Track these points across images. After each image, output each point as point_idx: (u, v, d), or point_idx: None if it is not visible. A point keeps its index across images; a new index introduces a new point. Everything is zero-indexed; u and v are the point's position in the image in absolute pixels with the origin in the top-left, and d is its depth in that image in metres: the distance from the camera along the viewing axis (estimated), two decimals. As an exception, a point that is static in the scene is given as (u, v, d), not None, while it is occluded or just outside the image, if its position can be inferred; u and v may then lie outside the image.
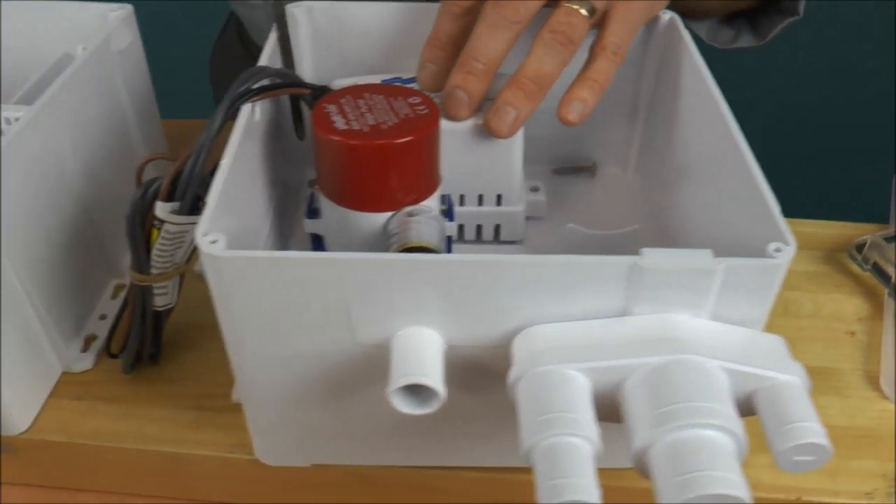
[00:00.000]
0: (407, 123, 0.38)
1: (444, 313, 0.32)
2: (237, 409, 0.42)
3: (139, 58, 0.51)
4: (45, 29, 0.49)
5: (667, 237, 0.46)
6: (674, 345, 0.31)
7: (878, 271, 0.49)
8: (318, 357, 0.34)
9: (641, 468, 0.30)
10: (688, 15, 0.66)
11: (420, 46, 0.48)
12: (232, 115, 0.38)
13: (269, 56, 0.43)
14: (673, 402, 0.29)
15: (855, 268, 0.51)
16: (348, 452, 0.39)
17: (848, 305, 0.49)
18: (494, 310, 0.32)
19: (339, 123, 0.37)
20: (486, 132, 0.43)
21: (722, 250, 0.31)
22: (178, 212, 0.38)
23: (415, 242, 0.37)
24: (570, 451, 0.29)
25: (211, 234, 0.31)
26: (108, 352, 0.44)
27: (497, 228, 0.47)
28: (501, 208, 0.47)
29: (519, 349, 0.32)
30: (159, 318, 0.42)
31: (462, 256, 0.31)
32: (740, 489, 0.27)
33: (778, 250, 0.32)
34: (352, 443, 0.39)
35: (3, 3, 0.49)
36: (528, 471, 0.39)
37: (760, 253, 0.32)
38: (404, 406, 0.31)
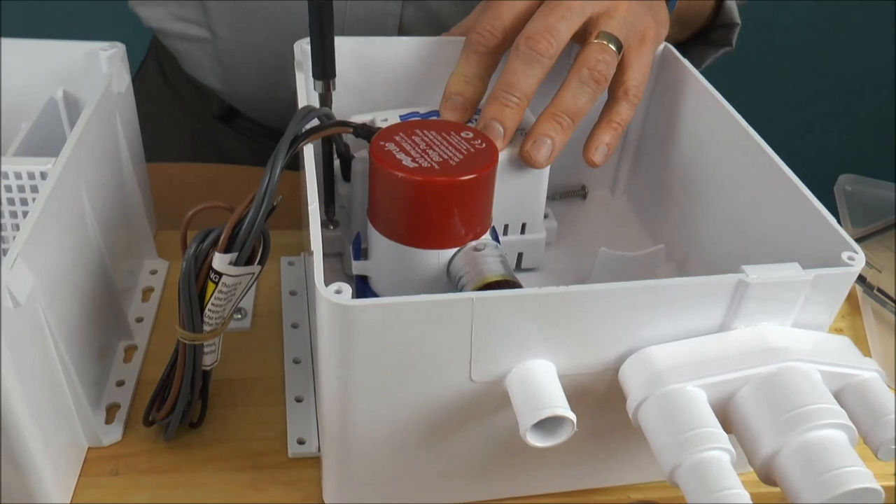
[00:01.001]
0: (472, 158, 0.38)
1: (560, 344, 0.32)
2: (296, 463, 0.41)
3: (131, 98, 0.48)
4: (27, 70, 0.46)
5: (683, 252, 0.49)
6: (776, 354, 0.33)
7: (853, 271, 0.54)
8: (428, 399, 0.33)
9: (766, 474, 0.32)
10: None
11: (430, 82, 0.48)
12: (290, 159, 0.37)
13: (305, 91, 0.42)
14: (793, 408, 0.31)
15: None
16: (432, 492, 0.39)
17: (830, 304, 0.54)
18: (607, 336, 0.33)
19: (407, 161, 0.37)
20: (516, 163, 0.44)
21: (772, 262, 0.34)
22: (236, 263, 0.36)
23: (492, 277, 0.37)
24: (717, 464, 0.30)
25: (334, 283, 0.30)
26: (145, 420, 0.41)
27: (520, 256, 0.48)
28: (525, 236, 0.47)
29: (633, 374, 0.33)
30: (207, 377, 0.40)
31: (587, 287, 0.31)
32: (874, 480, 0.30)
33: (851, 258, 0.34)
34: (438, 482, 0.38)
35: None
36: (600, 491, 0.41)
37: (823, 262, 0.35)
38: (537, 441, 0.31)
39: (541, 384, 0.32)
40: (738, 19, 0.63)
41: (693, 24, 0.65)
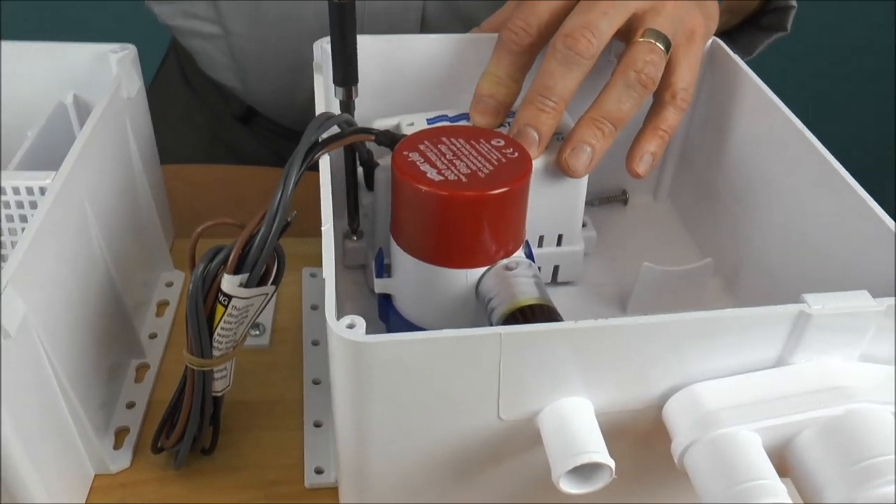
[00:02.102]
0: (503, 170, 0.35)
1: (597, 380, 0.29)
2: (314, 495, 0.38)
3: (143, 102, 0.45)
4: (36, 73, 0.44)
5: (735, 263, 0.45)
6: (843, 394, 0.29)
7: None
8: (452, 440, 0.30)
9: (831, 529, 0.28)
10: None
11: (460, 83, 0.45)
12: (308, 168, 0.34)
13: (323, 95, 0.39)
14: (865, 459, 0.28)
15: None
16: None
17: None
18: (650, 372, 0.30)
19: (432, 173, 0.34)
20: (552, 171, 0.40)
21: (832, 280, 0.30)
22: (247, 284, 0.34)
23: (525, 301, 0.34)
24: (775, 522, 0.26)
25: (346, 317, 0.27)
26: (153, 447, 0.38)
27: (556, 269, 0.45)
28: (562, 248, 0.44)
29: (680, 413, 0.30)
30: (218, 403, 0.38)
31: (628, 321, 0.28)
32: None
33: (927, 284, 0.31)
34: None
35: None
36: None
37: (886, 282, 0.31)
38: (571, 487, 0.28)
39: (576, 425, 0.29)
40: (794, 1, 0.59)
41: (743, 11, 0.61)
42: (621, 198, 0.53)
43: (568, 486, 0.28)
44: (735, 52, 0.65)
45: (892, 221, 0.34)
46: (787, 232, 0.41)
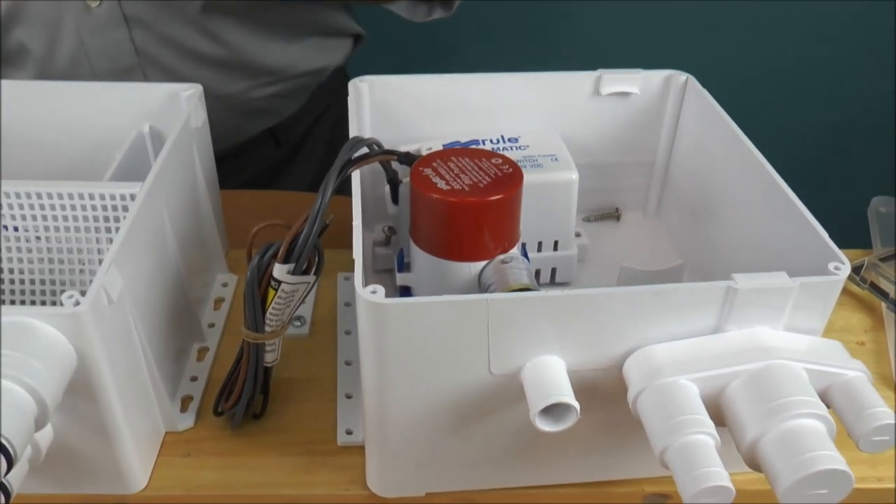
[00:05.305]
0: (499, 181, 0.43)
1: (568, 341, 0.37)
2: (344, 451, 0.46)
3: (207, 131, 0.55)
4: (122, 108, 0.53)
5: (706, 268, 0.52)
6: (765, 353, 0.37)
7: (876, 289, 0.56)
8: (454, 389, 0.38)
9: (751, 459, 0.35)
10: (381, 1, 0.75)
11: (465, 114, 0.54)
12: (339, 183, 0.43)
13: (356, 125, 0.48)
14: (777, 399, 0.35)
15: (855, 287, 0.58)
16: (460, 479, 0.43)
17: (853, 320, 0.56)
18: (611, 335, 0.37)
19: (441, 184, 0.42)
20: (547, 186, 0.48)
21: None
22: (293, 272, 0.42)
23: (516, 285, 0.42)
24: (701, 446, 0.34)
25: (370, 285, 0.35)
26: (215, 410, 0.47)
27: (553, 271, 0.53)
28: (558, 253, 0.52)
29: (634, 368, 0.37)
30: (268, 374, 0.46)
31: (589, 291, 0.36)
32: (845, 465, 0.33)
33: (837, 268, 0.38)
34: (465, 470, 0.43)
35: (83, 84, 0.53)
36: (616, 483, 0.44)
37: (816, 273, 0.38)
38: (545, 426, 0.36)
39: (550, 377, 0.36)
40: None
41: None
42: (615, 214, 0.61)
43: (543, 425, 0.36)
44: (442, 8, 0.75)
45: (825, 231, 0.41)
46: (745, 241, 0.48)
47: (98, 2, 0.66)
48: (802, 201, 0.43)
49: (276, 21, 0.73)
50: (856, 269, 0.58)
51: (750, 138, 0.48)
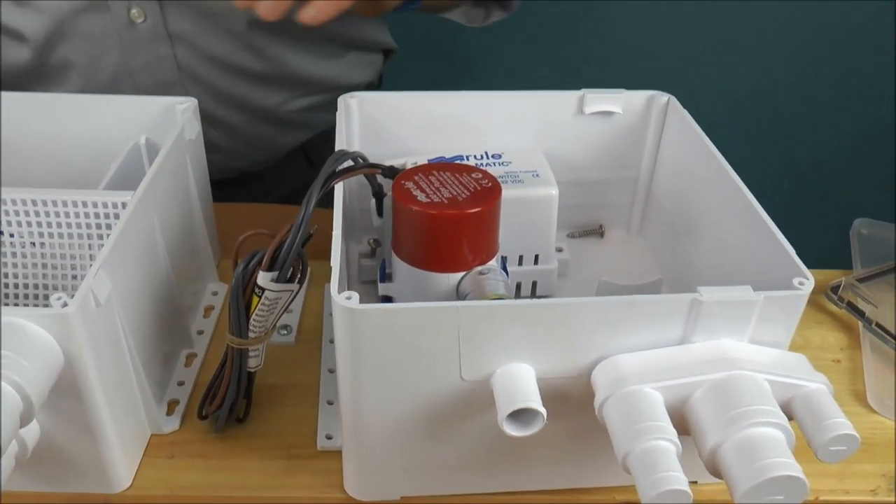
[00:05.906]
0: (478, 195, 0.44)
1: (538, 350, 0.38)
2: (324, 455, 0.47)
3: (201, 143, 0.56)
4: (119, 119, 0.55)
5: (685, 284, 0.53)
6: (729, 364, 0.38)
7: (853, 308, 0.58)
8: (427, 395, 0.39)
9: (712, 466, 0.36)
10: (441, 10, 0.77)
11: (452, 131, 0.55)
12: (323, 195, 0.44)
13: (346, 139, 0.50)
14: (737, 408, 0.36)
15: (832, 306, 0.59)
16: (435, 484, 0.44)
17: (830, 338, 0.58)
18: (579, 345, 0.38)
19: (421, 197, 0.44)
20: (527, 202, 0.50)
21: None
22: (277, 280, 0.43)
23: (492, 295, 0.43)
24: (662, 451, 0.35)
25: (346, 291, 0.36)
26: (199, 414, 0.48)
27: (534, 285, 0.54)
28: (538, 266, 0.53)
29: (602, 377, 0.38)
30: (251, 379, 0.47)
31: (558, 300, 0.37)
32: (800, 472, 0.34)
33: (801, 283, 0.39)
34: (439, 475, 0.44)
35: (83, 96, 0.55)
36: (588, 491, 0.45)
37: (784, 287, 0.39)
38: (513, 430, 0.37)
39: (519, 383, 0.38)
40: None
41: None
42: (598, 231, 0.62)
43: (511, 430, 0.37)
44: (500, 10, 0.76)
45: (792, 249, 0.42)
46: (721, 258, 0.50)
47: (143, 18, 0.67)
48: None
49: (320, 35, 0.74)
50: (834, 289, 0.59)
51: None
